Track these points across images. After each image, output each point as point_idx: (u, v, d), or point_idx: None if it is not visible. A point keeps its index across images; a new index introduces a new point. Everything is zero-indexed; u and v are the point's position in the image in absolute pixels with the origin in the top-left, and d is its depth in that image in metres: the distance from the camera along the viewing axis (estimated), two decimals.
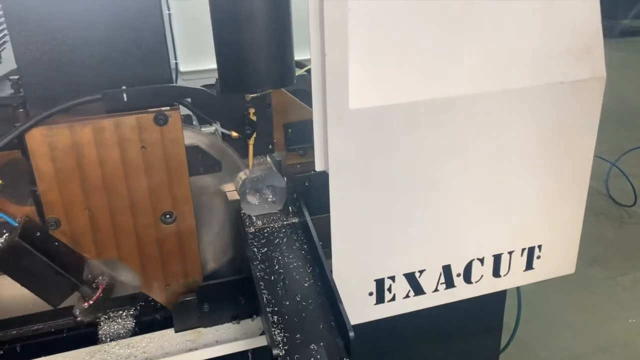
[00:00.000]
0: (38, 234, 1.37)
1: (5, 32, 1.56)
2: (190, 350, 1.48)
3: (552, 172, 1.56)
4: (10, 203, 1.39)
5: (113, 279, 1.49)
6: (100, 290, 1.40)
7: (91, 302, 1.39)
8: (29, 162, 1.32)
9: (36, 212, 1.40)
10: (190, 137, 1.46)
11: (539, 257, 1.66)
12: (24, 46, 1.31)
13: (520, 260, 1.65)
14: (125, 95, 1.34)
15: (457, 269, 1.60)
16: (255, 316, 1.55)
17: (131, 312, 1.61)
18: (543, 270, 1.69)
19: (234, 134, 1.49)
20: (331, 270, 1.41)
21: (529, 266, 1.67)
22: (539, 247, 1.65)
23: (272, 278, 1.41)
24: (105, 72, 1.37)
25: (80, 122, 1.32)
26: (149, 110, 1.36)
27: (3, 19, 1.53)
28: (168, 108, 1.37)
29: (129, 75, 1.39)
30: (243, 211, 1.58)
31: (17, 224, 1.36)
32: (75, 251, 1.42)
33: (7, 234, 1.36)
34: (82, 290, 1.39)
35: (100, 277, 1.45)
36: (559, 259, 1.70)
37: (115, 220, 1.41)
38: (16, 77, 1.41)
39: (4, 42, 1.60)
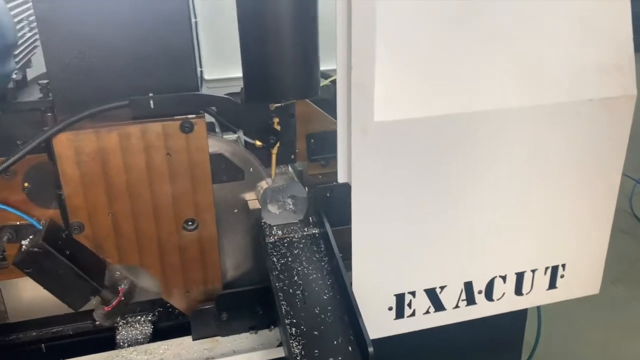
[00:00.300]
0: (62, 238, 1.38)
1: (36, 36, 1.59)
2: (208, 358, 1.48)
3: (579, 190, 1.53)
4: (35, 206, 1.40)
5: (133, 284, 1.50)
6: (120, 295, 1.41)
7: (111, 306, 1.39)
8: (55, 166, 1.34)
9: (60, 216, 1.41)
10: (214, 145, 1.46)
11: (562, 276, 1.63)
12: (54, 51, 1.33)
13: (543, 279, 1.62)
14: (152, 102, 1.35)
15: (479, 285, 1.58)
16: (273, 327, 1.55)
17: (149, 318, 1.62)
18: (566, 290, 1.65)
19: (258, 143, 1.49)
20: (351, 283, 1.40)
21: (552, 285, 1.63)
22: (563, 266, 1.61)
23: (291, 289, 1.41)
24: (133, 79, 1.38)
25: (107, 127, 1.33)
26: (175, 117, 1.37)
27: (35, 23, 1.56)
28: (194, 116, 1.38)
29: (155, 82, 1.40)
30: (263, 220, 1.58)
31: (41, 227, 1.38)
32: (98, 255, 1.43)
33: (31, 237, 1.38)
34: (102, 295, 1.40)
35: (120, 282, 1.45)
36: (583, 278, 1.66)
37: (138, 226, 1.42)
38: (45, 81, 1.42)
39: (34, 47, 1.62)
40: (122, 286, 1.43)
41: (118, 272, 1.48)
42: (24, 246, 1.36)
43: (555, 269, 1.61)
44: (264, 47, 1.36)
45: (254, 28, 1.36)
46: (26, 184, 1.38)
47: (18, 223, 1.40)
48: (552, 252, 1.59)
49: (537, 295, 1.63)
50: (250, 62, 1.41)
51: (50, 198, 1.40)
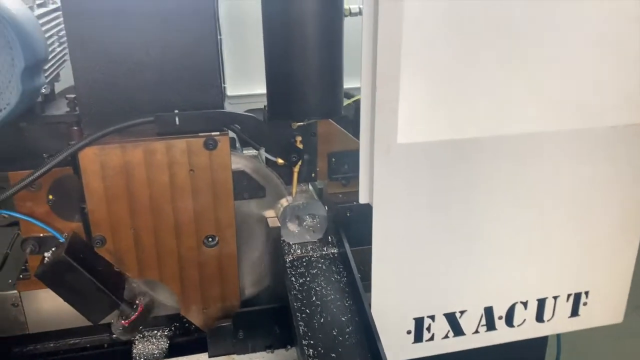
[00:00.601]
0: (84, 251, 1.39)
1: (65, 51, 1.62)
2: None
3: (603, 216, 1.51)
4: (59, 218, 1.41)
5: (152, 299, 1.50)
6: (139, 310, 1.41)
7: (130, 320, 1.39)
8: (80, 179, 1.35)
9: (83, 229, 1.43)
10: (237, 162, 1.47)
11: (585, 304, 1.60)
12: (82, 67, 1.36)
13: (565, 306, 1.59)
14: (177, 119, 1.37)
15: (499, 311, 1.56)
16: (289, 347, 1.53)
17: (165, 333, 1.62)
18: (589, 318, 1.62)
19: (280, 161, 1.50)
20: (370, 305, 1.38)
21: (575, 313, 1.61)
22: (586, 293, 1.59)
23: (309, 309, 1.39)
24: (159, 95, 1.40)
25: (132, 143, 1.34)
26: (199, 134, 1.38)
27: (64, 38, 1.59)
28: (218, 133, 1.39)
29: (181, 99, 1.41)
30: (283, 238, 1.57)
31: (64, 240, 1.39)
32: (118, 269, 1.44)
33: (53, 249, 1.39)
34: (122, 309, 1.40)
35: (140, 297, 1.46)
36: (606, 307, 1.63)
37: (159, 241, 1.43)
38: (72, 95, 1.44)
39: (64, 61, 1.65)
40: (141, 301, 1.43)
41: (137, 287, 1.49)
42: (46, 258, 1.37)
43: (577, 296, 1.58)
44: (289, 66, 1.37)
45: (280, 47, 1.37)
46: (51, 197, 1.39)
47: (41, 235, 1.41)
48: (574, 279, 1.57)
49: (559, 323, 1.61)
50: (274, 80, 1.42)
51: (73, 211, 1.42)
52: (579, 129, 1.40)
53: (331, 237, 1.62)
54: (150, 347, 1.58)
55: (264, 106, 1.49)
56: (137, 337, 1.60)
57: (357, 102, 1.47)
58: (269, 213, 1.58)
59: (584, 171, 1.45)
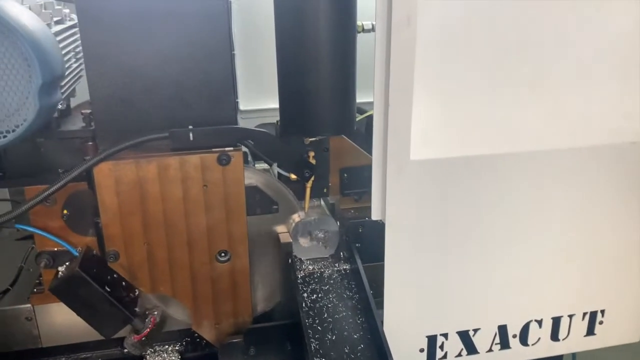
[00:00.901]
0: (97, 265, 1.39)
1: (81, 67, 1.64)
2: None
3: (620, 233, 1.49)
4: (73, 233, 1.42)
5: (164, 314, 1.50)
6: (151, 325, 1.41)
7: (142, 335, 1.39)
8: (94, 194, 1.36)
9: (97, 244, 1.43)
10: (250, 177, 1.47)
11: (601, 323, 1.57)
12: (98, 83, 1.37)
13: (581, 325, 1.57)
14: (191, 135, 1.38)
15: (514, 329, 1.54)
16: None
17: (177, 348, 1.61)
18: (605, 337, 1.59)
19: (293, 176, 1.50)
20: (382, 322, 1.37)
21: (590, 331, 1.58)
22: (602, 312, 1.56)
23: (321, 326, 1.39)
24: (174, 111, 1.41)
25: (146, 158, 1.35)
26: (213, 150, 1.39)
27: (80, 54, 1.62)
28: (231, 148, 1.40)
29: (195, 115, 1.42)
30: (294, 254, 1.57)
31: (77, 254, 1.40)
32: (131, 284, 1.44)
33: (67, 263, 1.40)
34: (134, 323, 1.40)
35: (152, 311, 1.45)
36: (623, 326, 1.60)
37: (172, 256, 1.43)
38: (88, 110, 1.46)
39: (80, 77, 1.67)
40: (154, 315, 1.43)
41: (150, 301, 1.49)
42: (60, 272, 1.38)
43: (593, 315, 1.56)
44: (302, 82, 1.38)
45: (293, 63, 1.38)
46: (65, 211, 1.40)
47: (56, 249, 1.42)
48: (590, 297, 1.55)
49: (574, 342, 1.59)
50: (287, 96, 1.43)
51: (87, 226, 1.43)
52: (597, 145, 1.39)
53: (343, 253, 1.62)
54: None
55: (276, 122, 1.50)
56: (148, 351, 1.59)
57: (370, 117, 1.48)
58: (281, 228, 1.58)
59: (599, 188, 1.44)
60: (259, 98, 2.23)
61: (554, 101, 1.34)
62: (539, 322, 1.54)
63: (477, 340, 1.52)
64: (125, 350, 1.55)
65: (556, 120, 1.35)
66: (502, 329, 1.53)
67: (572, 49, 1.29)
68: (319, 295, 1.49)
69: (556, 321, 1.55)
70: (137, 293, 1.46)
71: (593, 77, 1.34)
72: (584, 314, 1.56)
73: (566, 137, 1.37)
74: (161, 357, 1.58)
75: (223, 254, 1.46)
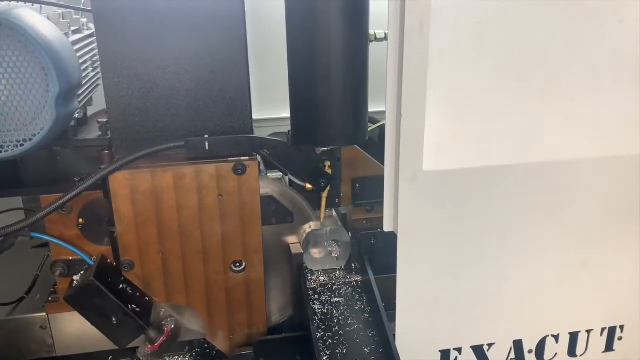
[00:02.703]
0: (112, 275, 1.39)
1: (98, 75, 1.66)
2: None
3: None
4: (88, 242, 1.42)
5: (179, 324, 1.49)
6: (165, 335, 1.40)
7: (156, 345, 1.38)
8: (110, 203, 1.36)
9: (112, 253, 1.43)
10: (265, 187, 1.47)
11: (620, 339, 1.54)
12: (115, 92, 1.38)
13: (599, 341, 1.54)
14: (207, 144, 1.38)
15: (529, 344, 1.51)
16: None
17: (187, 359, 1.60)
18: (624, 353, 1.56)
19: (308, 186, 1.50)
20: (394, 336, 1.35)
21: (609, 348, 1.55)
22: (621, 327, 1.53)
23: (332, 339, 1.37)
24: (190, 121, 1.42)
25: (162, 167, 1.35)
26: (228, 159, 1.38)
27: (98, 63, 1.63)
28: (247, 158, 1.39)
29: (211, 125, 1.43)
30: (305, 265, 1.56)
31: (92, 263, 1.40)
32: (146, 294, 1.43)
33: (82, 272, 1.40)
34: (148, 333, 1.40)
35: (166, 321, 1.45)
36: None
37: (187, 266, 1.43)
38: (104, 119, 1.47)
39: (96, 86, 1.69)
40: (168, 325, 1.43)
41: (164, 311, 1.48)
42: (75, 281, 1.38)
43: (612, 331, 1.53)
44: (314, 91, 1.38)
45: (305, 72, 1.38)
46: (81, 220, 1.41)
47: (71, 258, 1.42)
48: (609, 313, 1.52)
49: (592, 358, 1.56)
50: (298, 105, 1.42)
51: (103, 235, 1.43)
52: (615, 156, 1.36)
53: (355, 265, 1.61)
54: None
55: (288, 131, 1.50)
56: None
57: (382, 127, 1.47)
58: (292, 239, 1.57)
59: (617, 200, 1.41)
60: (270, 107, 2.24)
61: (570, 111, 1.31)
62: (556, 337, 1.51)
63: (492, 355, 1.49)
64: None
65: (572, 130, 1.33)
66: (518, 344, 1.50)
67: (587, 58, 1.27)
68: (330, 307, 1.47)
69: (574, 336, 1.52)
70: (151, 303, 1.45)
71: (609, 87, 1.31)
72: (603, 329, 1.53)
73: (583, 147, 1.34)
74: None
75: (238, 264, 1.45)
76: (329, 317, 1.44)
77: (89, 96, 1.61)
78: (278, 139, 1.48)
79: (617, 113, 1.33)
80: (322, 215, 1.54)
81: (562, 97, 1.29)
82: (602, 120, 1.33)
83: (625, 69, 1.30)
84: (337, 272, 1.59)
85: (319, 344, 1.35)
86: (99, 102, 1.55)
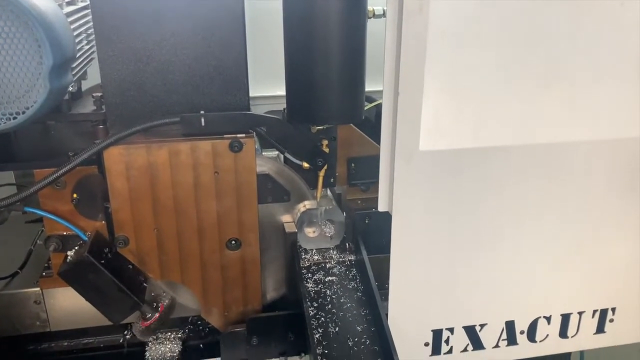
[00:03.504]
0: (106, 251, 1.38)
1: (93, 49, 1.63)
2: None
3: (634, 230, 1.47)
4: (83, 217, 1.42)
5: (173, 300, 1.49)
6: (160, 311, 1.40)
7: (150, 322, 1.39)
8: (104, 178, 1.35)
9: (106, 228, 1.42)
10: (262, 165, 1.46)
11: (611, 321, 1.56)
12: (110, 66, 1.36)
13: (590, 323, 1.56)
14: (203, 120, 1.36)
15: (521, 325, 1.52)
16: (303, 354, 1.51)
17: (179, 335, 1.61)
18: (615, 336, 1.58)
19: (306, 165, 1.48)
20: (386, 315, 1.36)
21: (600, 329, 1.57)
22: (613, 310, 1.55)
23: (324, 317, 1.37)
24: (186, 96, 1.40)
25: (157, 143, 1.34)
26: (225, 136, 1.37)
27: (92, 36, 1.60)
28: (243, 135, 1.38)
29: (207, 100, 1.41)
30: (299, 244, 1.55)
31: (87, 239, 1.39)
32: (140, 270, 1.43)
33: (76, 248, 1.40)
34: (142, 310, 1.40)
35: (161, 298, 1.45)
36: (634, 324, 1.59)
37: (182, 243, 1.42)
38: (99, 94, 1.45)
39: (91, 59, 1.66)
40: (163, 302, 1.43)
41: (159, 288, 1.48)
42: (69, 257, 1.38)
43: (604, 313, 1.55)
44: (310, 69, 1.36)
45: (300, 49, 1.36)
46: (75, 195, 1.40)
47: (65, 233, 1.41)
48: (602, 295, 1.53)
49: (583, 340, 1.57)
50: (294, 83, 1.41)
51: (97, 210, 1.42)
52: (610, 139, 1.36)
53: (349, 244, 1.60)
54: (163, 349, 1.56)
55: (283, 109, 1.49)
56: (150, 338, 1.59)
57: (379, 106, 1.45)
58: (286, 218, 1.56)
59: (613, 183, 1.41)
60: (266, 85, 2.20)
61: (569, 94, 1.30)
62: (548, 319, 1.53)
63: (484, 336, 1.51)
64: (128, 336, 1.57)
65: (570, 112, 1.32)
66: (510, 325, 1.51)
67: (588, 40, 1.25)
68: (323, 286, 1.47)
69: (565, 318, 1.54)
70: (146, 279, 1.45)
71: (609, 69, 1.30)
72: (594, 311, 1.54)
73: (580, 129, 1.34)
74: (163, 344, 1.58)
75: (233, 242, 1.45)
76: (321, 295, 1.44)
77: (83, 70, 1.59)
78: (276, 117, 1.46)
79: (616, 96, 1.32)
80: (319, 195, 1.53)
81: (561, 79, 1.28)
82: (602, 103, 1.32)
83: (626, 52, 1.28)
84: (331, 252, 1.59)
85: (312, 322, 1.35)
86: (94, 76, 1.52)
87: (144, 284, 1.44)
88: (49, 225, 1.41)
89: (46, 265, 1.53)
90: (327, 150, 1.50)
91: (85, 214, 1.42)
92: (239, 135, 1.37)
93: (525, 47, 1.23)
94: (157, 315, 1.40)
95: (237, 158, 1.37)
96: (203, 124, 1.36)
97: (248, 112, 1.43)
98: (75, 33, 1.44)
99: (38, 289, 1.50)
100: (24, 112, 1.23)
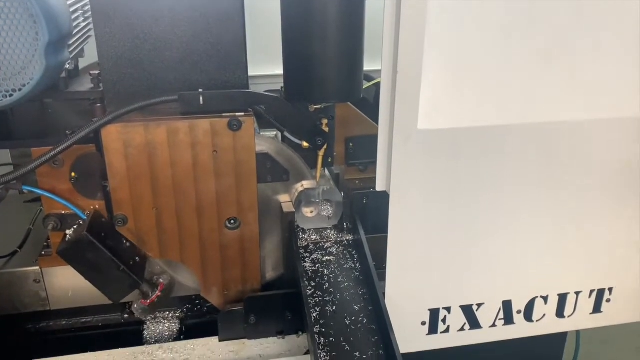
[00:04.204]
0: (105, 229, 1.38)
1: (90, 26, 1.61)
2: None
3: (632, 210, 1.47)
4: (81, 196, 1.41)
5: (173, 279, 1.49)
6: (159, 290, 1.41)
7: (150, 301, 1.39)
8: (103, 157, 1.34)
9: (105, 207, 1.42)
10: (261, 144, 1.45)
11: (608, 301, 1.57)
12: (107, 43, 1.34)
13: (587, 302, 1.56)
14: (201, 98, 1.35)
15: (518, 305, 1.53)
16: (301, 332, 1.52)
17: (177, 314, 1.62)
18: (611, 315, 1.59)
19: (305, 144, 1.48)
20: (384, 294, 1.36)
21: (597, 309, 1.58)
22: (610, 289, 1.56)
23: (322, 297, 1.38)
24: (184, 74, 1.39)
25: (156, 121, 1.33)
26: (223, 115, 1.36)
27: (89, 13, 1.58)
28: (242, 114, 1.37)
29: (206, 78, 1.40)
30: (297, 223, 1.56)
31: (85, 217, 1.39)
32: (139, 249, 1.43)
33: (75, 227, 1.39)
34: (142, 289, 1.40)
35: (160, 277, 1.45)
36: (631, 304, 1.60)
37: (181, 222, 1.42)
38: (96, 72, 1.43)
39: (88, 37, 1.64)
40: (162, 281, 1.43)
41: (158, 267, 1.48)
42: (68, 235, 1.38)
43: (601, 293, 1.55)
44: (307, 47, 1.34)
45: (298, 26, 1.34)
46: (73, 174, 1.39)
47: (63, 212, 1.41)
48: (599, 274, 1.54)
49: (580, 319, 1.58)
50: (291, 61, 1.39)
51: (95, 189, 1.41)
52: (612, 118, 1.34)
53: (346, 224, 1.60)
54: (161, 328, 1.57)
55: (281, 88, 1.47)
56: (148, 317, 1.60)
57: (378, 85, 1.44)
58: (284, 197, 1.56)
59: (613, 163, 1.40)
60: (264, 64, 2.18)
61: (569, 71, 1.29)
62: (545, 299, 1.54)
63: (481, 315, 1.51)
64: (126, 315, 1.57)
65: (571, 91, 1.30)
66: (507, 305, 1.52)
67: (589, 17, 1.23)
68: (321, 265, 1.47)
69: (562, 298, 1.54)
70: (145, 258, 1.45)
71: (610, 47, 1.28)
72: (591, 291, 1.55)
73: (581, 108, 1.32)
74: (161, 323, 1.58)
75: (232, 221, 1.45)
76: (319, 275, 1.44)
77: (80, 47, 1.57)
78: (275, 95, 1.45)
79: (617, 75, 1.31)
80: (319, 174, 1.52)
81: (563, 57, 1.27)
82: (602, 82, 1.31)
83: (630, 29, 1.27)
84: (329, 231, 1.59)
85: (309, 301, 1.35)
86: (91, 54, 1.50)
87: (144, 263, 1.44)
88: (47, 204, 1.41)
89: (45, 244, 1.53)
90: (326, 129, 1.48)
91: (83, 192, 1.41)
92: (237, 114, 1.36)
93: (525, 25, 1.21)
94: (156, 294, 1.40)
95: (236, 137, 1.36)
96: (202, 102, 1.35)
97: (247, 90, 1.41)
98: (71, 9, 1.42)
99: (37, 267, 1.50)
100: (20, 90, 1.22)
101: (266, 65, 2.21)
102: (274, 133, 1.54)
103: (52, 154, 1.28)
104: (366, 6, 1.37)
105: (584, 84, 1.30)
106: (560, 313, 1.56)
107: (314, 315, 1.31)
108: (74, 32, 1.41)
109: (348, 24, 1.33)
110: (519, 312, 1.54)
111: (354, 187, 1.66)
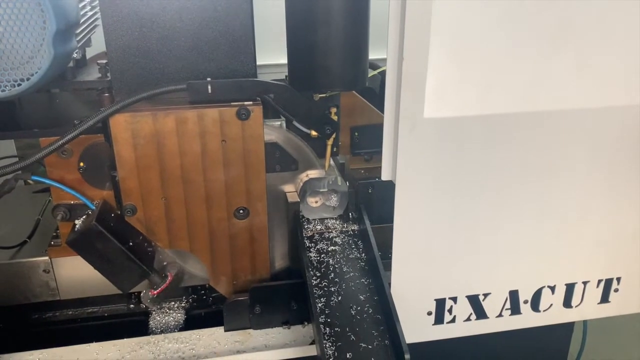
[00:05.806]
0: (114, 219, 1.38)
1: (97, 15, 1.61)
2: (239, 352, 1.45)
3: None
4: (90, 186, 1.41)
5: (182, 269, 1.50)
6: (168, 280, 1.41)
7: (159, 290, 1.40)
8: (111, 147, 1.34)
9: (114, 197, 1.42)
10: (270, 134, 1.44)
11: (616, 290, 1.56)
12: (114, 32, 1.33)
13: (595, 292, 1.56)
14: (210, 87, 1.34)
15: (525, 295, 1.52)
16: (306, 323, 1.52)
17: (182, 304, 1.63)
18: (619, 305, 1.58)
19: (314, 133, 1.47)
20: (389, 284, 1.36)
21: (605, 299, 1.57)
22: (618, 279, 1.55)
23: (327, 287, 1.37)
24: (192, 63, 1.38)
25: (164, 111, 1.32)
26: (232, 104, 1.35)
27: (96, 1, 1.58)
28: (250, 103, 1.36)
29: (214, 67, 1.39)
30: (302, 213, 1.55)
31: (94, 207, 1.39)
32: (148, 239, 1.43)
33: (84, 217, 1.39)
34: (151, 278, 1.40)
35: (169, 267, 1.46)
36: (638, 294, 1.59)
37: (190, 212, 1.42)
38: (104, 61, 1.43)
39: (95, 26, 1.64)
40: (171, 271, 1.43)
41: (167, 257, 1.48)
42: (77, 226, 1.38)
43: (609, 282, 1.55)
44: (312, 35, 1.33)
45: (302, 14, 1.33)
46: (82, 164, 1.39)
47: (72, 202, 1.41)
48: (607, 264, 1.53)
49: (587, 309, 1.57)
50: (296, 49, 1.38)
51: (104, 179, 1.41)
52: (621, 106, 1.32)
53: (352, 214, 1.59)
54: (166, 318, 1.58)
55: (285, 77, 1.46)
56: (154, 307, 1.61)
57: (383, 74, 1.42)
58: (289, 187, 1.56)
59: (621, 151, 1.38)
60: (270, 53, 2.17)
61: (578, 59, 1.27)
62: (552, 288, 1.53)
63: (487, 305, 1.50)
64: (132, 305, 1.58)
65: (580, 78, 1.28)
66: (514, 294, 1.51)
67: (596, 3, 1.21)
68: (326, 255, 1.47)
69: (570, 288, 1.54)
70: (154, 248, 1.45)
71: (620, 33, 1.26)
72: (599, 281, 1.54)
73: (590, 96, 1.30)
74: (167, 313, 1.59)
75: (241, 211, 1.45)
76: (324, 265, 1.44)
77: (87, 36, 1.56)
78: (284, 84, 1.44)
79: (626, 62, 1.29)
80: (327, 164, 1.52)
81: (570, 44, 1.24)
82: (611, 69, 1.29)
83: (636, 16, 1.25)
84: (334, 221, 1.59)
85: (314, 290, 1.35)
86: (99, 43, 1.50)
87: (153, 253, 1.44)
88: (56, 195, 1.41)
89: (54, 234, 1.53)
90: (335, 118, 1.48)
91: (92, 182, 1.41)
92: (246, 103, 1.36)
93: (533, 11, 1.19)
94: (166, 283, 1.41)
95: (244, 126, 1.36)
96: (210, 91, 1.34)
97: (256, 79, 1.40)
98: None
99: (47, 257, 1.51)
100: (28, 79, 1.21)
101: (268, 54, 2.20)
102: (279, 122, 1.54)
103: (60, 142, 1.27)
104: None
105: (593, 71, 1.28)
106: (567, 303, 1.56)
107: (320, 305, 1.31)
108: (81, 21, 1.41)
109: (353, 11, 1.32)
110: (525, 302, 1.53)
111: (359, 177, 1.65)
